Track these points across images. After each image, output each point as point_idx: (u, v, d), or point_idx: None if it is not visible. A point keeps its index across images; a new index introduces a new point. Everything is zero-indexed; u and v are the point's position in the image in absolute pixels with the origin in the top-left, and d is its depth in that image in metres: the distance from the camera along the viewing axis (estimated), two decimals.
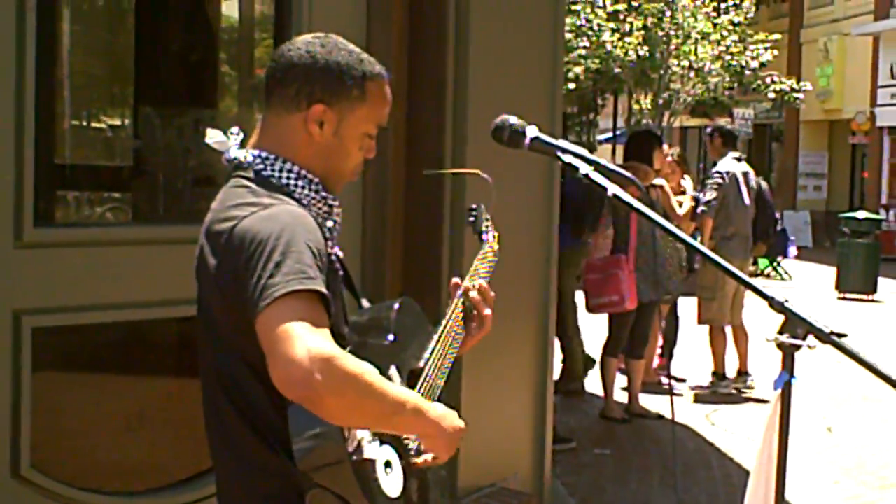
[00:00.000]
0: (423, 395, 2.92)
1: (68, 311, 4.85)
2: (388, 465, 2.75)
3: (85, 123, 6.94)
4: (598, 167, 3.12)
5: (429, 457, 2.83)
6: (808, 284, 22.19)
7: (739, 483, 8.56)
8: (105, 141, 6.66)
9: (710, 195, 11.65)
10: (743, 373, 12.10)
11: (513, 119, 3.16)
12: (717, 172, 11.80)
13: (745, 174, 11.93)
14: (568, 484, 8.13)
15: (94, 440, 5.16)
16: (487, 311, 3.17)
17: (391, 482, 2.75)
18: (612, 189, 3.08)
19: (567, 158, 3.12)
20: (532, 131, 3.15)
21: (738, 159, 12.06)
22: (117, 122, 6.58)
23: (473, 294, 3.17)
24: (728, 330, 11.94)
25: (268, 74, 2.97)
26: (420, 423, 2.72)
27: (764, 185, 12.92)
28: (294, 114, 2.90)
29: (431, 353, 3.02)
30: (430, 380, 2.97)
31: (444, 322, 3.09)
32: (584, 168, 3.09)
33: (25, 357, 4.66)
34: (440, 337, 3.07)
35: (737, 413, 11.17)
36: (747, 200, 11.79)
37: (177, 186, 6.15)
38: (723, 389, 11.90)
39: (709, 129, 12.65)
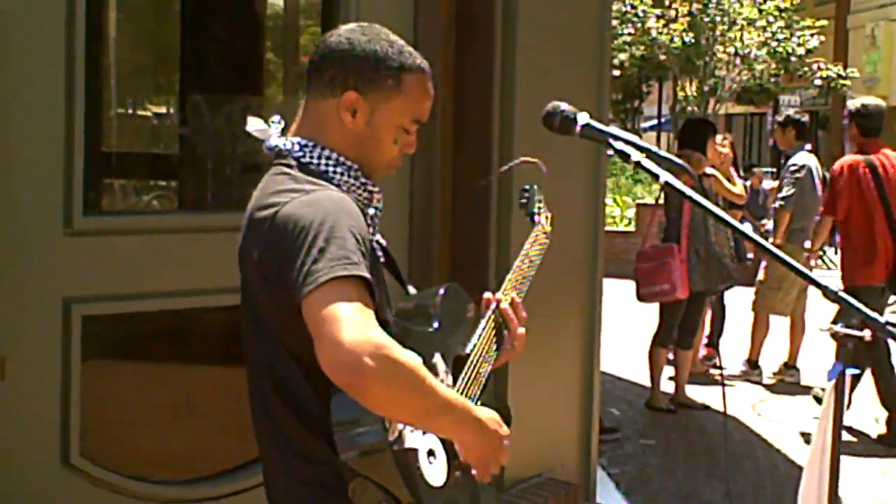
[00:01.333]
0: (468, 380, 2.94)
1: (117, 300, 4.88)
2: (431, 453, 2.74)
3: (131, 112, 6.96)
4: (650, 154, 3.09)
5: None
6: None
7: (786, 473, 8.55)
8: (151, 129, 6.68)
9: (788, 190, 11.42)
10: (791, 365, 12.04)
11: (564, 106, 3.13)
12: (794, 165, 11.58)
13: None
14: (614, 474, 8.12)
15: (141, 429, 5.19)
16: (521, 330, 3.16)
17: (434, 471, 2.74)
18: (665, 177, 3.05)
19: (619, 146, 3.09)
20: (583, 118, 3.12)
21: (810, 152, 11.93)
22: (163, 110, 6.59)
23: (505, 306, 3.16)
24: (783, 321, 11.91)
25: (309, 60, 2.99)
26: (460, 430, 2.70)
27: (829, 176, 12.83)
28: (328, 100, 2.91)
29: (478, 340, 3.02)
30: (477, 367, 2.96)
31: (474, 344, 3.05)
32: (636, 155, 3.06)
33: (75, 345, 4.70)
34: (487, 320, 3.07)
35: (783, 404, 11.11)
36: (820, 193, 11.60)
37: (224, 174, 6.16)
38: (754, 377, 11.90)
39: (780, 120, 12.42)
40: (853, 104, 10.27)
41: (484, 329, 3.05)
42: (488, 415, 2.75)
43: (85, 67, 4.70)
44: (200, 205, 6.20)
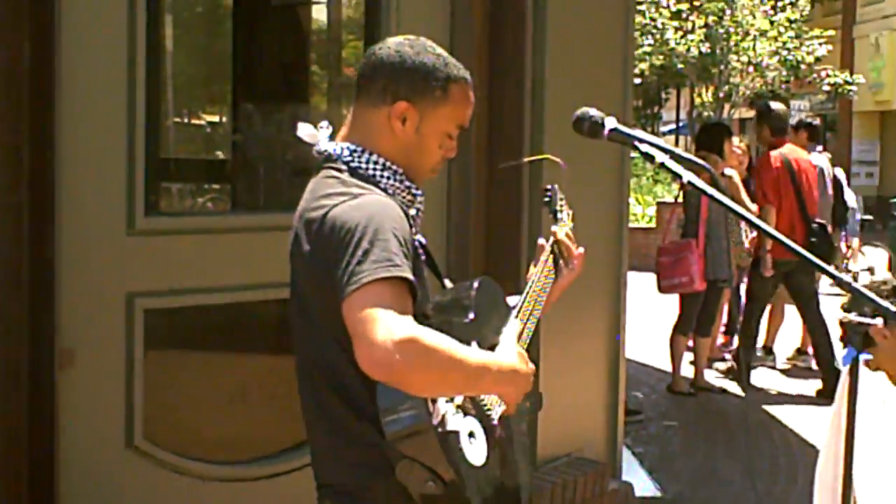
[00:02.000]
0: (528, 315, 3.01)
1: (176, 294, 4.90)
2: (471, 435, 2.74)
3: (187, 120, 6.98)
4: (673, 156, 3.08)
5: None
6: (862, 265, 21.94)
7: (800, 452, 8.53)
8: (205, 136, 6.69)
9: None
10: (804, 351, 12.03)
11: (593, 111, 3.12)
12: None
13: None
14: (638, 453, 8.12)
15: (199, 413, 5.20)
16: (580, 250, 3.22)
17: (475, 451, 2.74)
18: (686, 175, 3.05)
19: (644, 148, 3.08)
20: (611, 122, 3.11)
21: (820, 152, 12.02)
22: (216, 118, 6.60)
23: (562, 237, 3.22)
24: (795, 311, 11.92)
25: (359, 71, 2.98)
26: (498, 386, 2.75)
27: (840, 174, 12.79)
28: (380, 108, 2.89)
29: (521, 304, 3.05)
30: (533, 304, 3.01)
31: (532, 277, 3.12)
32: (660, 156, 3.05)
33: (138, 337, 4.73)
34: (527, 293, 3.09)
35: (797, 386, 11.08)
36: (830, 191, 11.82)
37: (274, 177, 6.17)
38: (769, 363, 11.87)
39: (793, 123, 12.48)
40: (760, 108, 11.22)
41: (541, 267, 3.11)
42: (515, 360, 2.80)
43: (145, 80, 4.73)
44: (252, 206, 6.21)
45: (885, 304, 2.91)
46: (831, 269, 3.03)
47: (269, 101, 6.44)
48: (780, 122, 10.52)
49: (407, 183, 2.92)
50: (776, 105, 11.05)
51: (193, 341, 5.25)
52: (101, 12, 4.58)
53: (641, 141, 3.10)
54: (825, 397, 9.95)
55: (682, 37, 32.34)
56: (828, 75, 34.63)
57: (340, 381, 2.78)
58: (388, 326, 2.47)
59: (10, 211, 4.36)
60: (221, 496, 5.00)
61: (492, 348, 2.93)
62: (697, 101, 34.55)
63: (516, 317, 3.02)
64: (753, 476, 8.04)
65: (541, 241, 3.21)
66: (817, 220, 10.62)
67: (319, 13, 6.65)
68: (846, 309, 3.08)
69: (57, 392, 4.38)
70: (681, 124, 40.37)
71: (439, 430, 2.64)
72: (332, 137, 2.98)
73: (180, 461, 4.87)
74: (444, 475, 2.66)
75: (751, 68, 32.92)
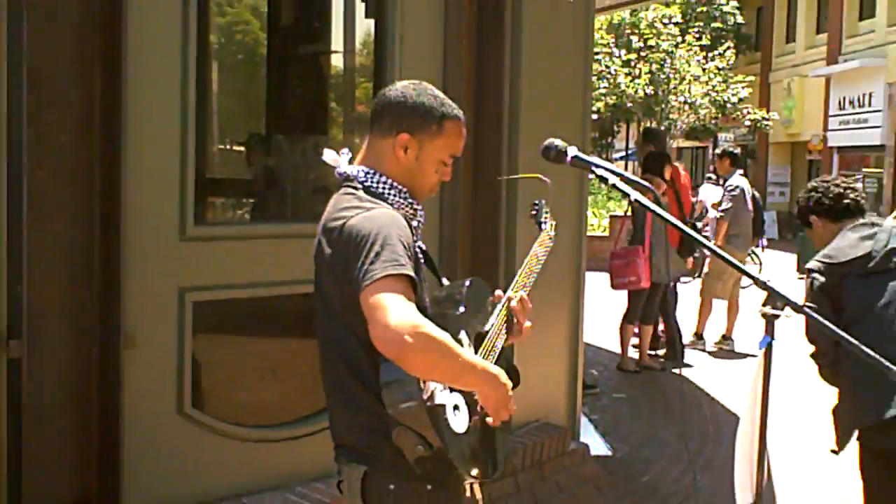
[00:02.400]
0: (486, 351, 2.92)
1: (219, 289, 4.91)
2: (456, 407, 2.72)
3: (228, 147, 6.98)
4: (623, 178, 3.09)
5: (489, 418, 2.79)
6: (775, 267, 21.94)
7: (724, 420, 8.55)
8: (243, 160, 6.69)
9: (727, 204, 11.78)
10: (727, 337, 12.07)
11: (558, 141, 3.13)
12: (731, 186, 11.87)
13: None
14: (593, 420, 8.13)
15: (237, 386, 5.21)
16: (528, 324, 3.11)
17: (459, 421, 2.73)
18: (634, 195, 3.06)
19: (599, 172, 3.09)
20: (573, 151, 3.12)
21: (742, 175, 12.13)
22: (253, 146, 6.59)
23: (515, 305, 3.10)
24: (721, 304, 11.95)
25: (372, 108, 2.98)
26: (484, 385, 2.70)
27: (757, 195, 12.89)
28: (387, 139, 2.90)
29: (494, 320, 3.00)
30: (493, 341, 2.96)
31: (493, 323, 3.02)
32: (613, 179, 3.06)
33: (187, 323, 4.74)
34: (501, 308, 3.04)
35: (722, 366, 11.10)
36: (750, 207, 11.94)
37: (299, 194, 6.17)
38: (699, 346, 11.90)
39: (719, 152, 12.64)
40: (644, 128, 11.08)
41: (498, 315, 3.02)
42: (499, 371, 2.75)
43: (195, 114, 4.74)
44: (280, 217, 6.20)
45: (793, 299, 2.95)
46: (749, 270, 3.06)
47: (295, 132, 6.45)
48: (660, 142, 10.49)
49: (410, 200, 2.92)
50: (655, 128, 11.12)
51: (233, 327, 5.25)
52: (160, 57, 4.59)
53: (597, 166, 3.11)
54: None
55: (631, 81, 32.53)
56: (749, 113, 34.86)
57: (353, 360, 2.79)
58: (398, 312, 2.50)
59: (84, 220, 4.39)
60: (254, 454, 5.00)
61: (479, 336, 2.93)
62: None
63: (494, 321, 2.99)
64: (687, 439, 8.06)
65: (498, 292, 3.12)
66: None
67: (337, 61, 6.65)
68: (763, 304, 3.10)
69: (121, 368, 4.39)
70: (629, 152, 40.38)
71: (428, 403, 2.64)
72: (350, 161, 2.98)
73: (221, 425, 4.88)
74: (431, 441, 2.66)
75: (686, 107, 33.16)
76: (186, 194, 4.70)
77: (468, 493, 2.99)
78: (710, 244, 3.32)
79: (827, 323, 3.06)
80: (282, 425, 5.18)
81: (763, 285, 3.02)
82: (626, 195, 3.10)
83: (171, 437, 4.69)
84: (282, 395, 5.35)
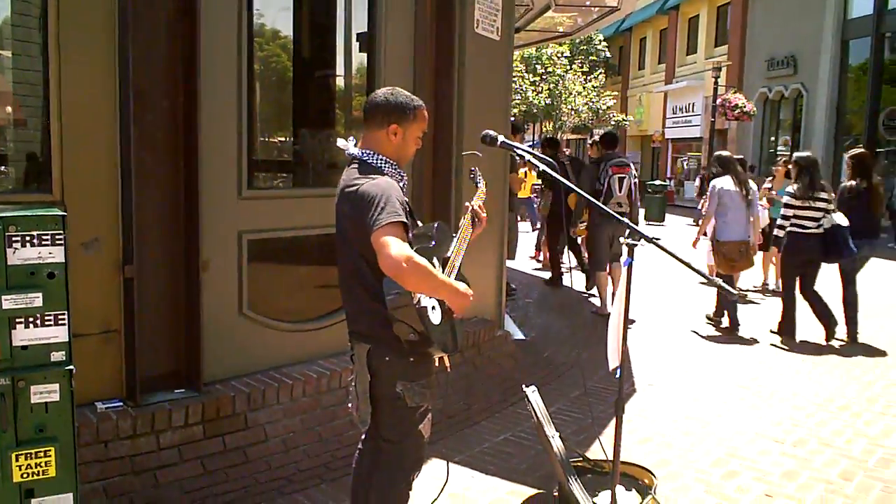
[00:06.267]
0: (451, 269, 2.93)
1: (265, 231, 4.87)
2: (433, 308, 2.76)
3: (268, 138, 6.89)
4: (534, 156, 3.11)
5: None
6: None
7: (600, 318, 8.59)
8: (278, 147, 6.59)
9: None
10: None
11: (492, 132, 3.16)
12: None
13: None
14: (512, 316, 8.19)
15: (279, 294, 5.18)
16: (484, 215, 3.15)
17: (436, 316, 2.76)
18: (542, 167, 3.08)
19: (519, 152, 3.13)
20: (501, 138, 3.14)
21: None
22: (283, 137, 6.48)
23: (476, 207, 3.13)
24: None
25: (365, 109, 2.94)
26: (450, 295, 2.74)
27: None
28: (382, 129, 2.88)
29: (453, 249, 3.00)
30: (454, 262, 2.97)
31: (460, 229, 3.06)
32: (527, 156, 3.09)
33: (244, 254, 4.72)
34: (458, 239, 3.05)
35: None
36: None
37: (316, 169, 6.13)
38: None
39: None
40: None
41: (454, 246, 3.02)
42: (464, 287, 2.79)
43: (247, 115, 4.68)
44: (304, 184, 6.17)
45: (649, 234, 2.98)
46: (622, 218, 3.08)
47: (314, 127, 6.38)
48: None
49: (398, 169, 2.90)
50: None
51: (275, 256, 5.21)
52: (223, 78, 4.52)
53: (518, 148, 3.13)
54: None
55: (536, 95, 32.61)
56: (614, 116, 35.00)
57: (363, 277, 2.78)
58: (398, 248, 2.54)
59: (173, 189, 4.35)
60: (289, 340, 4.99)
61: (444, 261, 2.94)
62: (544, 130, 34.73)
63: (453, 249, 2.99)
64: (576, 329, 8.13)
65: (466, 203, 3.15)
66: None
67: (341, 81, 6.58)
68: (626, 237, 3.12)
69: (201, 283, 4.36)
70: (535, 142, 40.49)
71: (416, 305, 2.66)
72: (355, 146, 2.96)
73: (267, 321, 4.87)
74: (418, 329, 2.69)
75: (573, 112, 33.35)
76: (242, 168, 4.65)
77: (437, 364, 3.01)
78: (598, 203, 3.32)
79: (673, 251, 3.09)
80: (307, 320, 5.17)
81: (627, 226, 3.06)
82: (535, 167, 3.13)
83: (233, 329, 4.68)
84: (307, 301, 5.33)
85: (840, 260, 7.66)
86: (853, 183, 7.81)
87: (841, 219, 7.52)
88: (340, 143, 2.99)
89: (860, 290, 7.88)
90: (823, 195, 7.56)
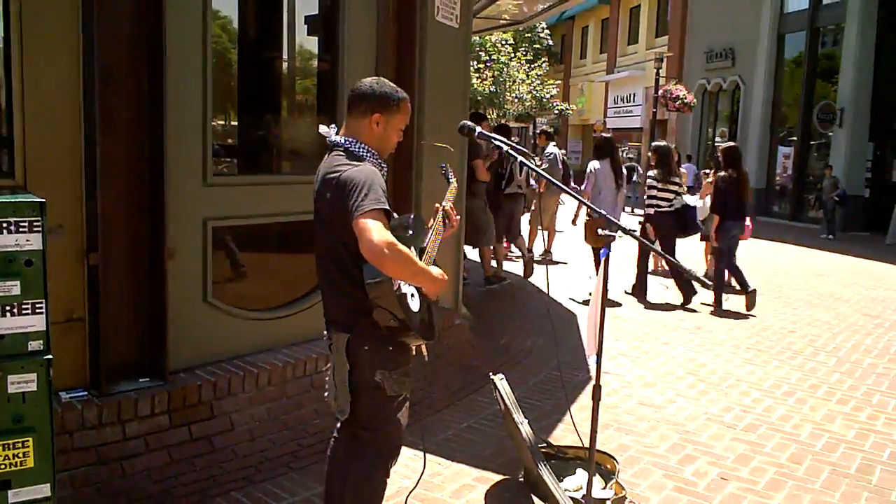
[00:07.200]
0: (427, 258, 2.95)
1: (230, 218, 4.82)
2: (412, 295, 2.78)
3: (232, 124, 6.75)
4: (511, 146, 3.18)
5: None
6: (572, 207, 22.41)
7: (568, 313, 8.71)
8: (245, 133, 6.46)
9: (545, 165, 11.51)
10: (548, 251, 12.21)
11: (469, 123, 3.21)
12: (548, 153, 11.64)
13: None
14: (467, 304, 8.25)
15: (244, 282, 5.15)
16: (457, 217, 3.17)
17: (415, 303, 2.79)
18: (505, 148, 3.16)
19: (496, 142, 3.20)
20: (478, 129, 3.19)
21: (555, 146, 12.07)
22: (249, 124, 6.34)
23: (447, 209, 3.14)
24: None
25: (349, 97, 2.93)
26: (428, 282, 2.77)
27: (566, 158, 12.93)
28: (365, 118, 2.87)
29: (428, 241, 3.03)
30: (430, 252, 3.00)
31: (432, 230, 3.06)
32: (496, 142, 3.16)
33: (208, 241, 4.66)
34: (433, 232, 3.07)
35: (560, 273, 11.31)
36: (560, 167, 11.74)
37: (296, 156, 6.07)
38: (538, 258, 11.90)
39: (539, 131, 12.71)
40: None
41: (430, 236, 3.05)
42: (439, 272, 2.81)
43: (211, 105, 4.62)
44: (270, 171, 6.10)
45: (619, 223, 3.07)
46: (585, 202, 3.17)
47: (300, 114, 6.33)
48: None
49: (379, 159, 2.91)
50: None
51: (241, 244, 5.16)
52: (190, 59, 4.45)
53: (496, 139, 3.20)
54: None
55: (480, 82, 32.61)
56: (556, 105, 35.25)
57: (343, 264, 2.78)
58: (379, 234, 2.52)
59: (138, 172, 4.27)
60: (253, 328, 4.96)
61: (421, 250, 2.97)
62: (490, 117, 34.87)
63: (428, 241, 3.01)
64: (526, 312, 8.22)
65: (437, 204, 3.13)
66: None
67: (289, 66, 6.53)
68: (602, 229, 3.20)
69: (166, 271, 4.31)
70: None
71: (397, 292, 2.68)
72: (337, 133, 2.96)
73: (231, 309, 4.83)
74: (398, 316, 2.71)
75: (516, 100, 33.44)
76: (207, 155, 4.59)
77: (414, 352, 3.03)
78: (569, 189, 3.38)
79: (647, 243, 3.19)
80: (272, 308, 5.14)
81: (598, 215, 3.13)
82: (513, 156, 3.20)
83: (198, 316, 4.63)
84: (272, 289, 5.30)
85: (694, 234, 9.47)
86: (725, 173, 8.88)
87: (689, 200, 9.20)
88: (322, 129, 2.98)
89: (796, 277, 8.23)
90: (676, 179, 9.09)
